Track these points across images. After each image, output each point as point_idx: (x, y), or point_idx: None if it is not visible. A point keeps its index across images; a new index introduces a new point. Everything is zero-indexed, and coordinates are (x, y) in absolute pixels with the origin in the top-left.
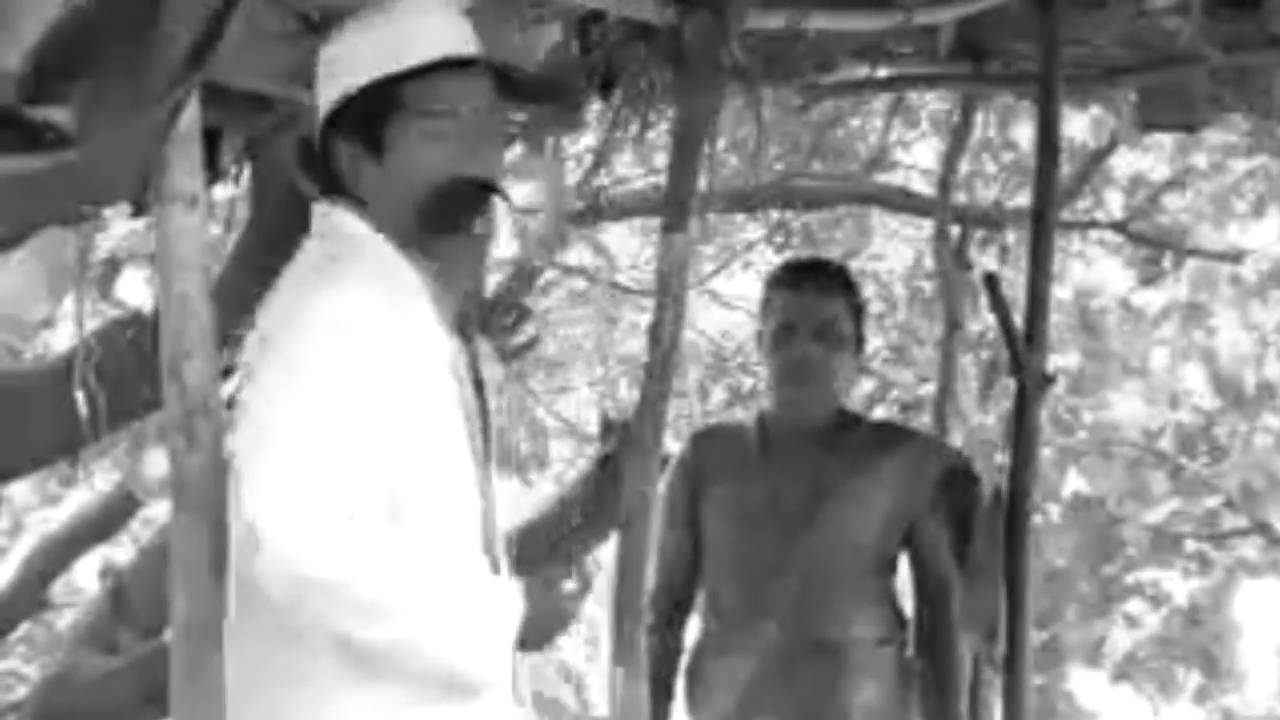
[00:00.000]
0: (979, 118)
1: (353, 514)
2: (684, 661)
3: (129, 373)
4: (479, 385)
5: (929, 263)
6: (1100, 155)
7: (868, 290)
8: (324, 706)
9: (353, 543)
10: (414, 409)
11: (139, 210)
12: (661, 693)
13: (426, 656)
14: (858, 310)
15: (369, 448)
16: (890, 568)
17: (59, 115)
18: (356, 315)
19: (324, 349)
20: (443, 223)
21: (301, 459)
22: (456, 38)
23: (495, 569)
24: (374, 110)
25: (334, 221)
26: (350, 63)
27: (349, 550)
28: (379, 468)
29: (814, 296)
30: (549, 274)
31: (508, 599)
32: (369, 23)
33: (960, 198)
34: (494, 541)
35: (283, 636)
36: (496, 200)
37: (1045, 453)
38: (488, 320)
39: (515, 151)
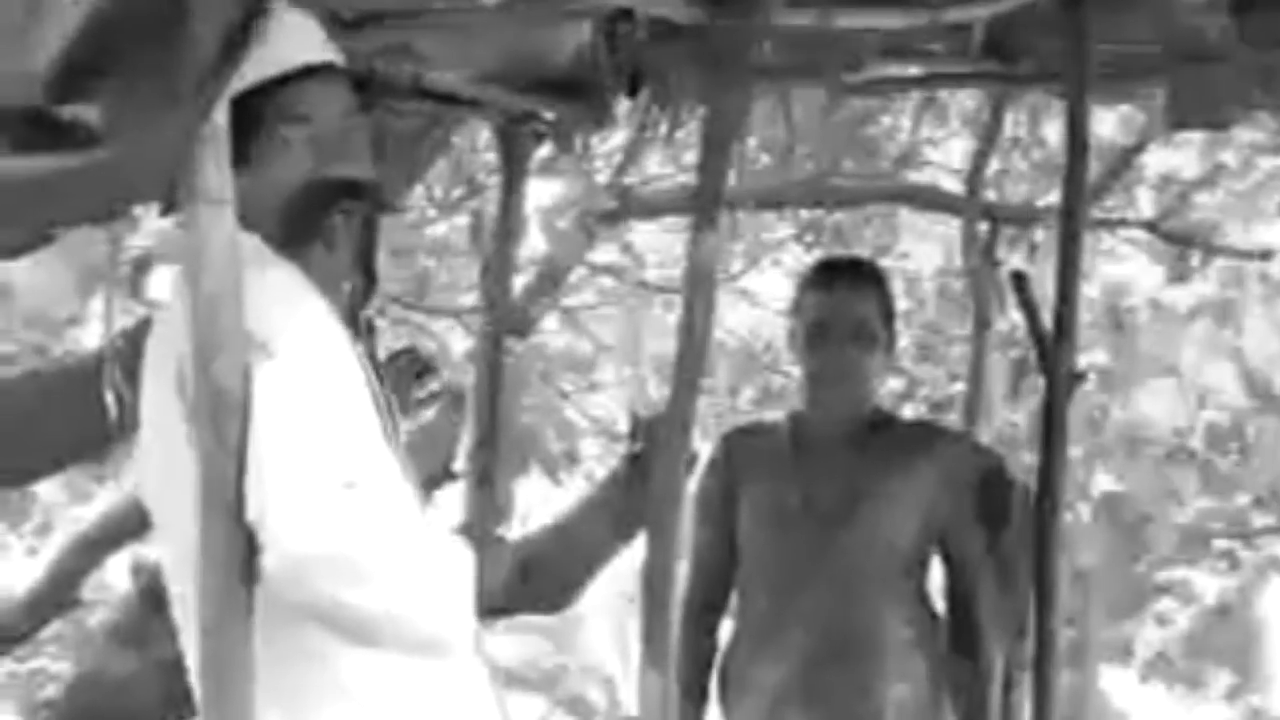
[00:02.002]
0: (1009, 116)
1: (351, 482)
2: (717, 661)
3: None
4: (379, 379)
5: (958, 261)
6: (1130, 153)
7: (896, 288)
8: (334, 679)
9: (349, 512)
10: (355, 399)
11: (169, 209)
12: (694, 693)
13: (410, 620)
14: (889, 309)
15: (345, 430)
16: (923, 568)
17: (88, 114)
18: (295, 318)
19: (280, 353)
20: (307, 227)
21: (287, 448)
22: (312, 45)
23: None
24: (239, 124)
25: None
26: None
27: (346, 520)
28: (356, 446)
29: (847, 296)
30: (578, 273)
31: (467, 564)
32: None
33: (990, 195)
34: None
35: (295, 617)
36: (363, 200)
37: (1074, 451)
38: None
39: (543, 150)
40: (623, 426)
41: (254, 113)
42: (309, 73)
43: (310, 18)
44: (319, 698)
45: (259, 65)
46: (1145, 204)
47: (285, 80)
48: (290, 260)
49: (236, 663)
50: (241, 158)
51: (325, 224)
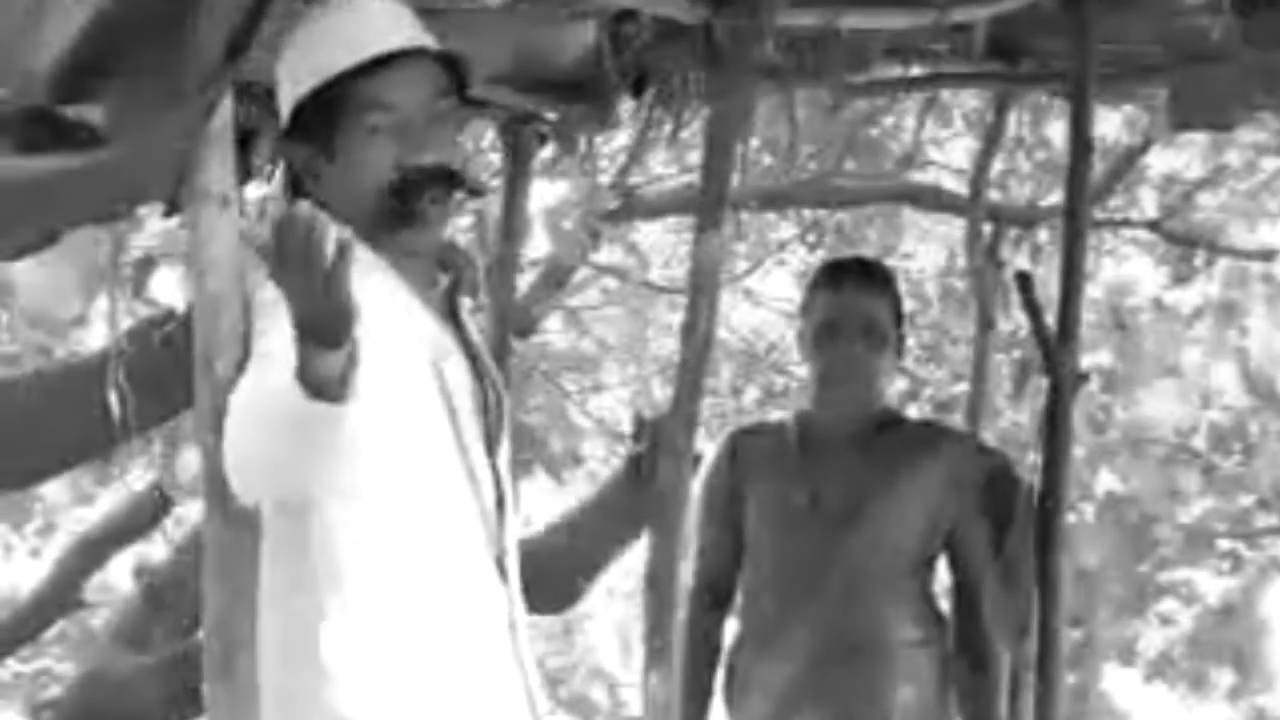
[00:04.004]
0: (1012, 116)
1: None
2: (722, 660)
3: (162, 372)
4: (479, 372)
5: (962, 261)
6: (1133, 154)
7: (900, 288)
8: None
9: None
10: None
11: (172, 209)
12: (698, 693)
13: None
14: (898, 309)
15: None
16: (929, 568)
17: (92, 114)
18: None
19: (265, 339)
20: (398, 215)
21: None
22: (394, 32)
23: (500, 564)
24: (323, 114)
25: None
26: (295, 71)
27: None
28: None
29: (856, 296)
30: (582, 273)
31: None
32: (309, 28)
33: (993, 196)
34: (499, 535)
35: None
36: (452, 185)
37: (1078, 452)
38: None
39: (547, 151)
40: (626, 427)
41: (338, 103)
42: (394, 59)
43: (398, 2)
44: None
45: (339, 55)
46: (1148, 204)
47: (370, 68)
48: (377, 249)
49: (242, 661)
50: (328, 149)
51: (412, 208)
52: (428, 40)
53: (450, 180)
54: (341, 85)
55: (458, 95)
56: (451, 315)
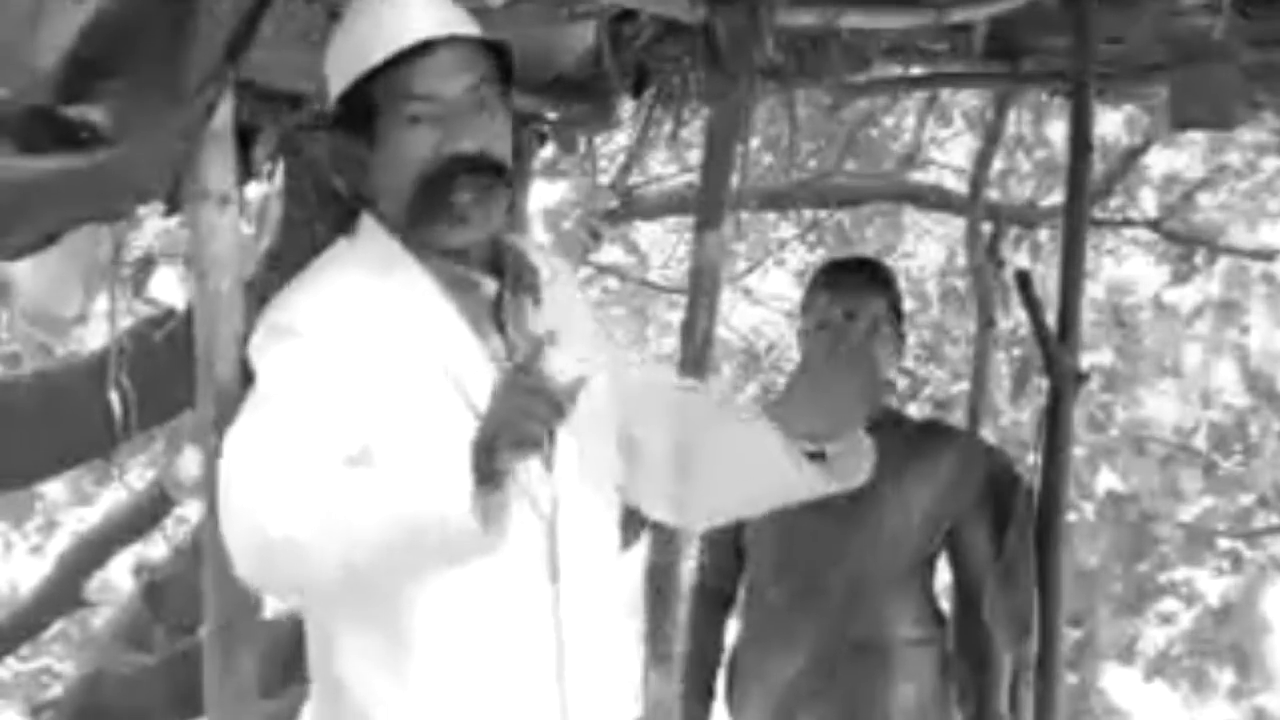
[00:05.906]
0: (1012, 115)
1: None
2: (724, 660)
3: (162, 372)
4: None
5: (962, 260)
6: (1134, 153)
7: (900, 288)
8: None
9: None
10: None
11: (172, 209)
12: (700, 693)
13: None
14: (898, 309)
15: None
16: (930, 567)
17: (94, 114)
18: (302, 318)
19: (266, 356)
20: (435, 208)
21: (231, 474)
22: (430, 20)
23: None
24: (363, 107)
25: (361, 220)
26: (338, 62)
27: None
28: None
29: (856, 296)
30: (582, 273)
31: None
32: (351, 19)
33: (993, 195)
34: (556, 561)
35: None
36: (493, 176)
37: (1078, 451)
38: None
39: (547, 150)
40: None
41: (379, 94)
42: (432, 47)
43: None
44: None
45: (376, 46)
46: (1149, 204)
47: (407, 57)
48: (414, 246)
49: (242, 663)
50: (371, 140)
51: (451, 201)
52: (466, 28)
53: (491, 170)
54: (381, 76)
55: (502, 83)
56: (498, 321)
